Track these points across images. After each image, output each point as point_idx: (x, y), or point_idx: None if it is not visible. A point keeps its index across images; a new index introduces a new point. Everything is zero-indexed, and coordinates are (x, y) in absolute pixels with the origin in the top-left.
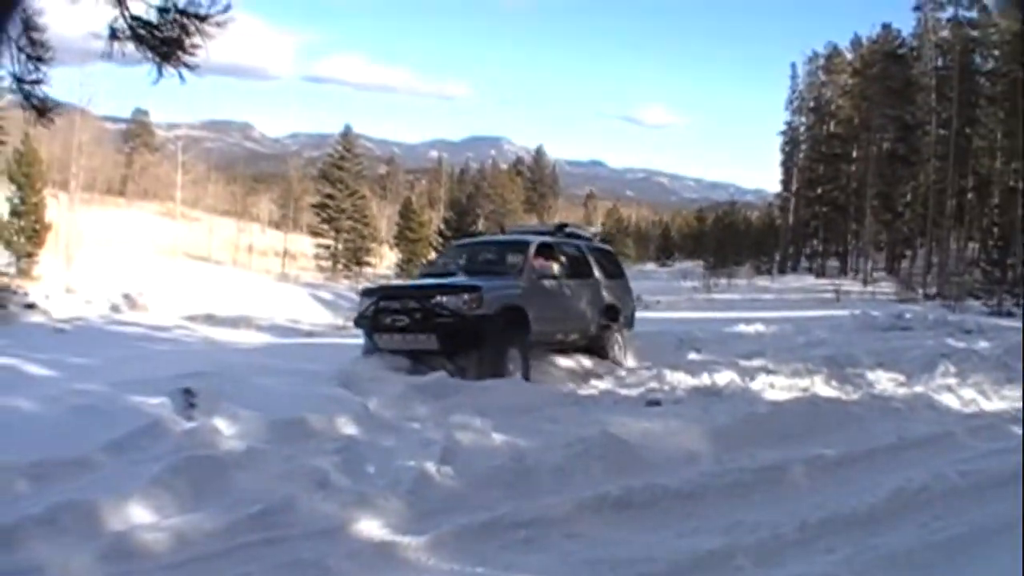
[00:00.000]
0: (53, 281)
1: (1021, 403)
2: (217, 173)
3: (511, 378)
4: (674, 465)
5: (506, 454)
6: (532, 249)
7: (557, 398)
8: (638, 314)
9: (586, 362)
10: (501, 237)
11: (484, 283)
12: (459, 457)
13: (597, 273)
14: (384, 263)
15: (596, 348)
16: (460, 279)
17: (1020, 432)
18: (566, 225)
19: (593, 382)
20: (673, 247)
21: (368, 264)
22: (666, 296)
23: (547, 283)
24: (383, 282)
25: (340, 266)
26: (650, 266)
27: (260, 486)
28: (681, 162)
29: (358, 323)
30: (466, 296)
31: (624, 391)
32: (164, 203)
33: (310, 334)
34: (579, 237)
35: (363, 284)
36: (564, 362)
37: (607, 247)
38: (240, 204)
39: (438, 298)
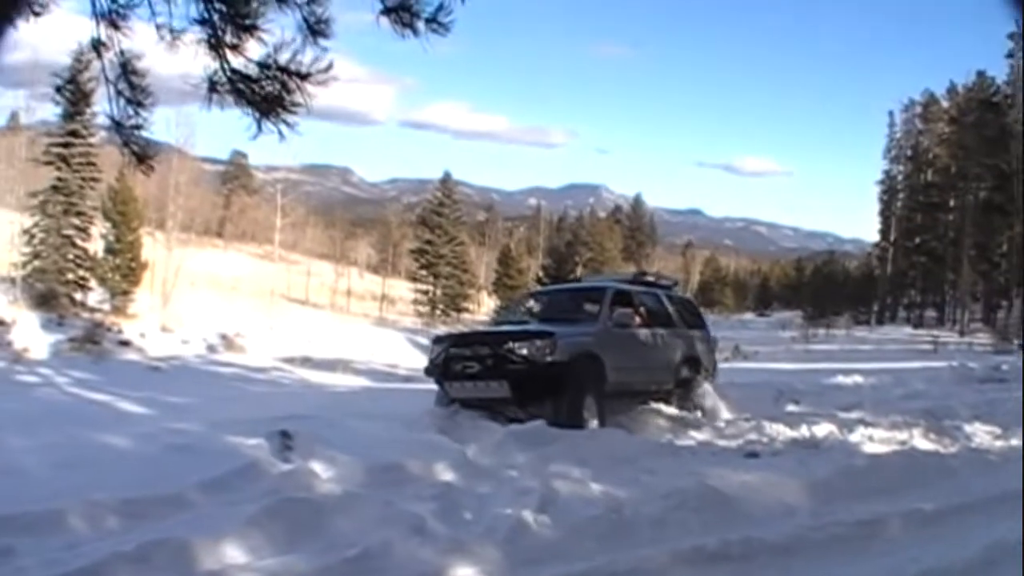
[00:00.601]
0: (149, 319)
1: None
2: (316, 217)
3: (588, 427)
4: (772, 518)
5: (603, 504)
6: (609, 296)
7: (655, 449)
8: (736, 364)
9: (685, 413)
10: (577, 284)
11: (558, 329)
12: (556, 506)
13: (677, 323)
14: (483, 309)
15: (679, 400)
16: (533, 326)
17: None
18: (645, 273)
19: (691, 433)
20: (771, 297)
21: (466, 310)
22: (764, 347)
23: (624, 331)
24: (456, 329)
25: (438, 311)
26: (748, 316)
27: (356, 530)
28: (779, 211)
29: (429, 372)
30: (539, 342)
31: (722, 443)
32: (262, 245)
33: (408, 379)
34: (658, 286)
35: (437, 331)
36: (662, 412)
37: (687, 297)
38: (338, 248)
39: (510, 344)
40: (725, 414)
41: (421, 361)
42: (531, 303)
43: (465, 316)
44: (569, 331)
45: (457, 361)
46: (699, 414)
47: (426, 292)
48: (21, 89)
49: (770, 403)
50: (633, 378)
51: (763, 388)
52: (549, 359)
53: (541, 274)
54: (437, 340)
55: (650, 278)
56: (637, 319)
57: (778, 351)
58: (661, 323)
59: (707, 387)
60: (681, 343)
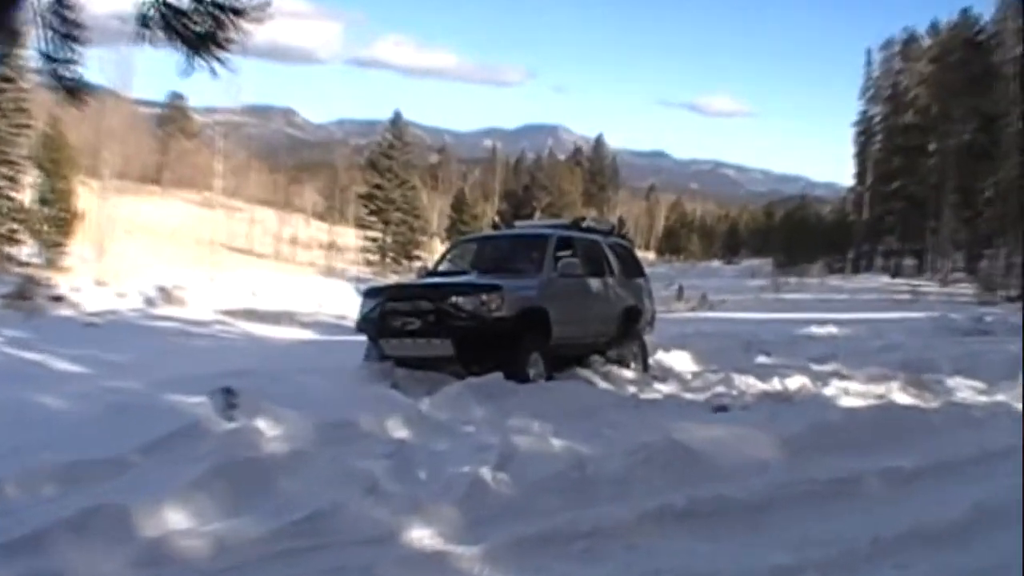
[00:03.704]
0: (83, 273)
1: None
2: (259, 161)
3: (552, 381)
4: (742, 474)
5: (565, 461)
6: (552, 244)
7: (618, 402)
8: (702, 314)
9: (639, 364)
10: (516, 231)
11: (504, 282)
12: (516, 463)
13: (617, 272)
14: (435, 257)
15: (615, 355)
16: (476, 277)
17: None
18: (583, 219)
19: (656, 386)
20: (740, 244)
21: (418, 258)
22: (733, 295)
23: (568, 282)
24: (391, 280)
25: (389, 260)
26: (716, 263)
27: (305, 491)
28: (749, 154)
29: (361, 327)
30: (485, 296)
31: (689, 396)
32: (202, 192)
33: (357, 331)
34: (597, 232)
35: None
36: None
37: (626, 242)
38: (283, 194)
39: (454, 299)
40: (689, 365)
41: None
42: (469, 252)
43: (417, 264)
44: (514, 283)
45: (394, 316)
46: (633, 367)
47: (375, 240)
48: None
49: (739, 355)
50: (576, 332)
51: (731, 339)
52: (496, 315)
53: (497, 219)
54: (370, 293)
55: (590, 223)
56: (580, 268)
57: (747, 300)
58: (602, 272)
59: (635, 342)
60: (623, 293)
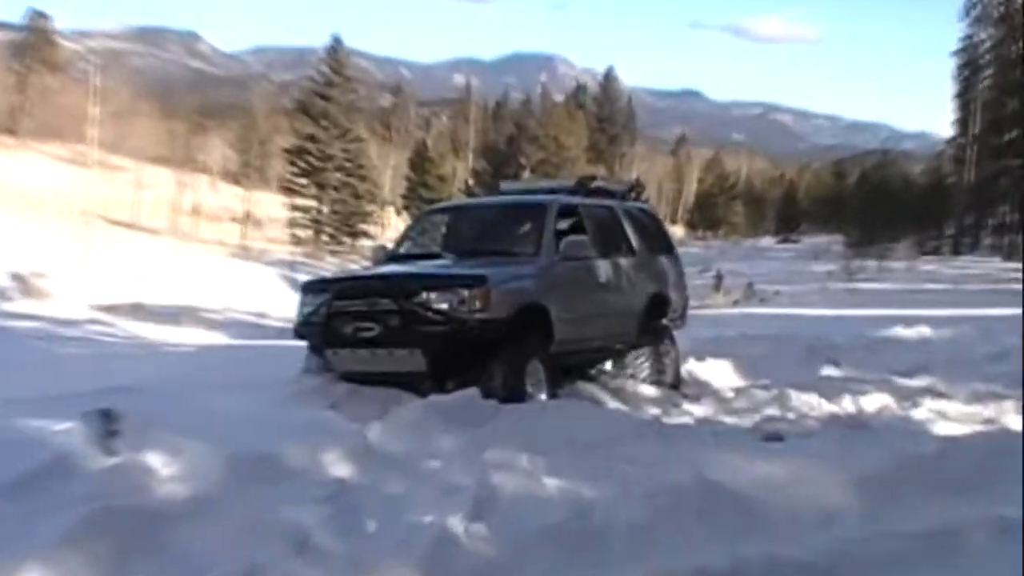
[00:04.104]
0: None
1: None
2: (149, 103)
3: (545, 401)
4: (802, 527)
5: (563, 507)
6: (552, 215)
7: (635, 428)
8: (749, 310)
9: (668, 376)
10: (502, 200)
11: (489, 270)
12: (497, 511)
13: (638, 247)
14: (388, 233)
15: (637, 362)
16: (451, 265)
17: None
18: (592, 178)
19: (687, 406)
20: (800, 215)
21: (365, 234)
22: (790, 285)
23: (574, 266)
24: (340, 271)
25: (326, 237)
26: (767, 241)
27: (211, 548)
28: (811, 94)
29: (301, 333)
30: (466, 292)
31: (731, 420)
32: (72, 145)
33: (283, 332)
34: (610, 194)
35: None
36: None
37: (648, 207)
38: (182, 148)
39: (424, 295)
40: (730, 379)
41: None
42: (440, 227)
43: (364, 243)
44: (504, 272)
45: (345, 320)
46: (659, 378)
47: (307, 210)
48: None
49: (798, 365)
50: (586, 333)
51: (788, 344)
52: (481, 315)
53: (471, 182)
54: (312, 287)
55: (601, 184)
56: (589, 246)
57: (810, 292)
58: (618, 249)
59: (667, 343)
60: (646, 276)
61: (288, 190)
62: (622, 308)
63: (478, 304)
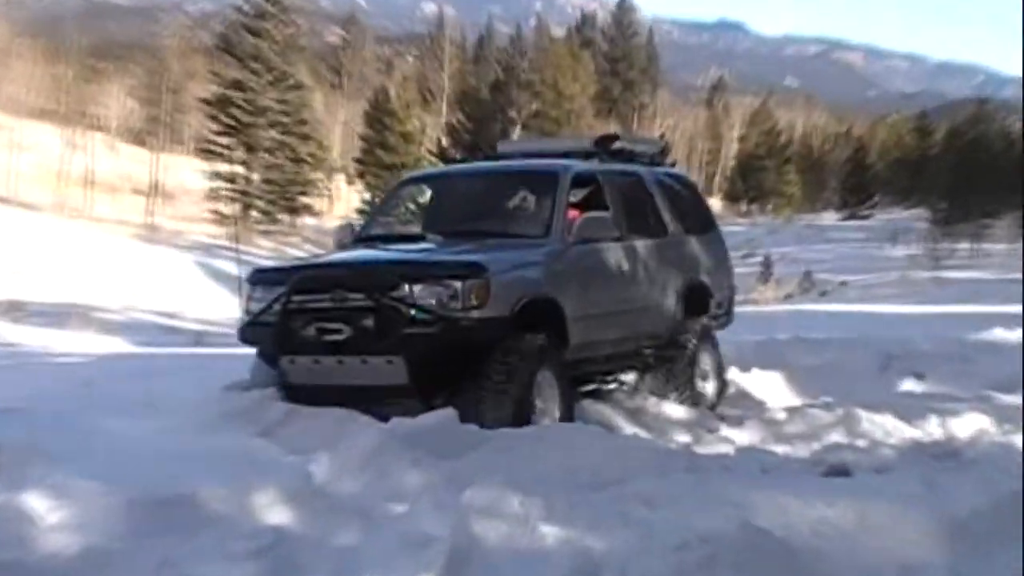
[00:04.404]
0: None
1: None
2: (30, 41)
3: (541, 425)
4: None
5: (565, 564)
6: (564, 186)
7: (659, 461)
8: (806, 306)
9: (709, 391)
10: (501, 166)
11: (487, 257)
12: (479, 568)
13: (671, 225)
14: (338, 208)
15: (670, 376)
16: (438, 250)
17: None
18: (615, 138)
19: (726, 431)
20: (872, 183)
21: (308, 210)
22: (859, 274)
23: (593, 252)
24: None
25: (257, 214)
26: (829, 217)
27: None
28: (885, 29)
29: (249, 336)
30: (460, 285)
31: (782, 449)
32: None
33: (201, 337)
34: (634, 157)
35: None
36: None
37: (682, 175)
38: (71, 99)
39: (406, 288)
40: (782, 395)
41: (225, 306)
42: (421, 200)
43: (307, 222)
44: (505, 259)
45: (305, 319)
46: (699, 399)
47: (233, 179)
48: None
49: (870, 377)
50: (608, 334)
51: (857, 349)
52: (479, 314)
53: (445, 142)
54: (262, 277)
55: (625, 145)
56: (611, 224)
57: (885, 282)
58: (648, 228)
59: (706, 346)
60: (682, 263)
61: (207, 153)
62: (652, 303)
63: (474, 299)
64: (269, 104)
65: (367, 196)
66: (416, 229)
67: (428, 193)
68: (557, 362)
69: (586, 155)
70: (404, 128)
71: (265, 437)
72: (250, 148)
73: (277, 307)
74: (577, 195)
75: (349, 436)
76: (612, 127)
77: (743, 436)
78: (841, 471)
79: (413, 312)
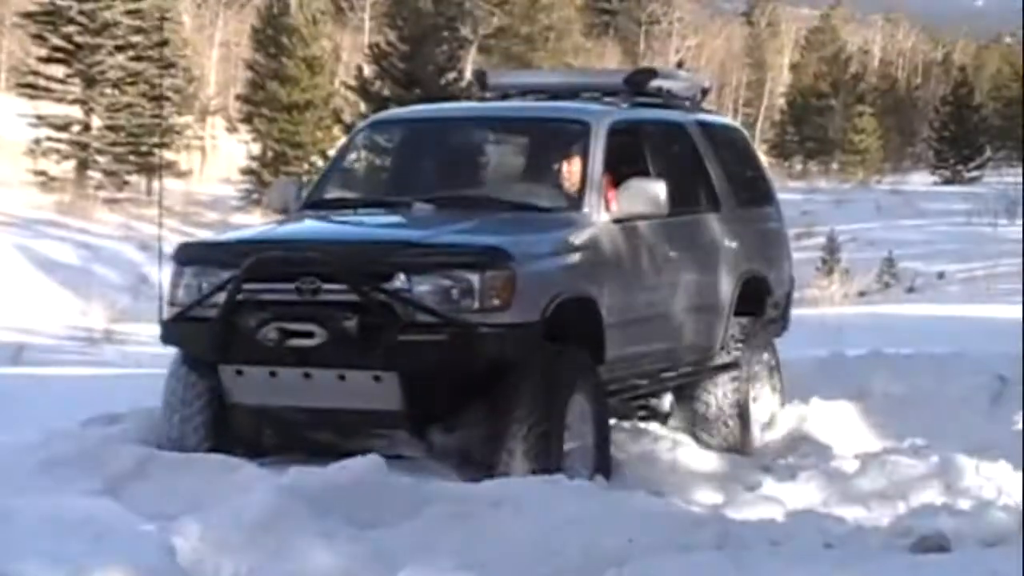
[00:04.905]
0: None
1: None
2: None
3: (573, 476)
4: None
5: None
6: (600, 141)
7: (679, 530)
8: (885, 308)
9: (757, 430)
10: (511, 109)
11: (508, 239)
12: None
13: (723, 196)
14: (216, 167)
15: (709, 395)
16: (434, 222)
17: None
18: (652, 74)
19: (771, 486)
20: (979, 133)
21: (172, 168)
22: (962, 263)
23: (634, 232)
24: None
25: (97, 174)
26: (918, 180)
27: None
28: None
29: (175, 336)
30: (475, 277)
31: (853, 512)
32: None
33: (21, 353)
34: (673, 102)
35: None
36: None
37: (733, 124)
38: None
39: (403, 279)
40: (854, 434)
41: (61, 307)
42: (394, 151)
43: (171, 186)
44: (531, 242)
45: (261, 315)
46: (747, 438)
47: (66, 126)
48: None
49: (977, 409)
50: (652, 345)
51: (959, 370)
52: (501, 317)
53: (368, 72)
54: (198, 255)
55: (663, 82)
56: (657, 194)
57: (999, 275)
58: (697, 198)
59: (762, 360)
60: (737, 246)
61: (29, 88)
62: (702, 303)
63: (496, 298)
64: (115, 19)
65: (257, 149)
66: (392, 194)
67: (407, 143)
68: (593, 384)
69: (613, 94)
70: (309, 52)
71: (111, 495)
72: (90, 81)
73: (221, 296)
74: (614, 154)
75: (231, 495)
76: (609, 52)
77: (798, 495)
78: (937, 545)
79: (413, 312)
